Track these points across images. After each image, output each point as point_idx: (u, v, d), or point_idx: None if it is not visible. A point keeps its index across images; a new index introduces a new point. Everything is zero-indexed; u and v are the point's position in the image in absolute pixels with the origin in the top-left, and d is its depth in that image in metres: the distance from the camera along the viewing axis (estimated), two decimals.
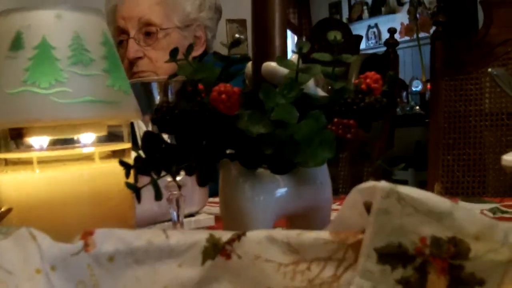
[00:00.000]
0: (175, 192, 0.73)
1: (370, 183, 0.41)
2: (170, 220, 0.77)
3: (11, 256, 0.40)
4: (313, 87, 0.57)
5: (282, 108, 0.52)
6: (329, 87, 0.56)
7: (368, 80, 0.55)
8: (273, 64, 0.56)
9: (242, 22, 2.80)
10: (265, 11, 0.57)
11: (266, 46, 0.57)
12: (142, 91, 0.75)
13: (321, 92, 0.58)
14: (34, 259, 0.40)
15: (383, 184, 0.40)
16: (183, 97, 0.58)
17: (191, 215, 0.97)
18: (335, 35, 0.55)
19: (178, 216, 0.75)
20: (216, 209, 1.02)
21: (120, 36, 1.60)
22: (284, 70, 0.55)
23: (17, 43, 0.66)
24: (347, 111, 0.53)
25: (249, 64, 0.60)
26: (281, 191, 0.59)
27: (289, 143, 0.51)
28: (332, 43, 0.54)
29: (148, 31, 1.58)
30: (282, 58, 0.55)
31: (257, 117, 0.52)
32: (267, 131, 0.51)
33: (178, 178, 0.70)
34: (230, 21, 2.70)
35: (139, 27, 1.57)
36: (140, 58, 1.56)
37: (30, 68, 0.65)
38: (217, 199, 1.09)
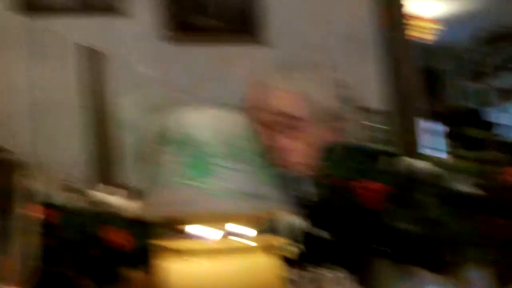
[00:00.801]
0: None
1: None
2: None
3: None
4: (460, 184, 0.58)
5: (431, 206, 0.53)
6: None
7: None
8: (420, 162, 0.57)
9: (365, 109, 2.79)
10: (404, 113, 0.59)
11: (411, 144, 0.59)
12: (285, 183, 0.78)
13: (467, 188, 0.59)
14: None
15: None
16: (333, 193, 0.60)
17: None
18: (477, 133, 0.56)
19: None
20: None
21: (261, 128, 1.65)
22: (431, 168, 0.56)
23: (173, 140, 0.71)
24: (501, 209, 0.53)
25: (399, 161, 0.61)
26: None
27: (444, 242, 0.52)
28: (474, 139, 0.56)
29: (290, 124, 1.63)
30: (429, 156, 0.56)
31: (405, 214, 0.54)
32: (416, 229, 0.52)
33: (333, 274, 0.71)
34: (373, 112, 2.70)
35: (279, 119, 1.62)
36: (283, 149, 1.60)
37: (185, 163, 0.70)
38: None
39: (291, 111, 1.62)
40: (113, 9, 2.37)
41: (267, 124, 1.61)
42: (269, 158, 1.59)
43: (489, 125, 1.92)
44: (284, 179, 0.78)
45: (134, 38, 2.42)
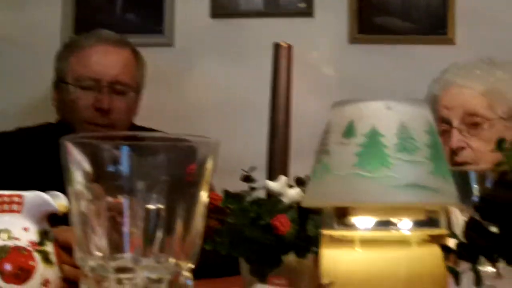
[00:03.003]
0: (488, 283, 0.72)
1: None
2: None
3: None
4: None
5: None
6: None
7: None
8: None
9: None
10: None
11: None
12: (460, 180, 0.76)
13: None
14: None
15: None
16: (507, 186, 0.58)
17: None
18: None
19: None
20: None
21: (442, 125, 1.63)
22: None
23: (349, 131, 0.72)
24: None
25: None
26: None
27: None
28: None
29: (474, 122, 1.59)
30: None
31: None
32: None
33: (490, 269, 0.69)
34: None
35: (462, 117, 1.59)
36: (463, 148, 1.57)
37: (359, 154, 0.71)
38: None
39: (477, 109, 1.57)
40: (302, 12, 2.43)
41: (448, 120, 1.58)
42: (448, 155, 1.56)
43: None
44: (456, 174, 0.77)
45: (321, 39, 2.47)
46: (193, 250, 0.66)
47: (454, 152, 1.58)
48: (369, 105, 0.74)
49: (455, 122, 1.59)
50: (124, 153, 0.63)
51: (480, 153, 1.57)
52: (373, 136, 0.71)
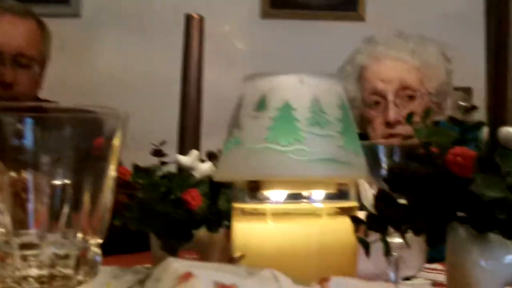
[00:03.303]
0: (394, 253, 0.74)
1: None
2: (386, 281, 0.77)
3: None
4: None
5: None
6: None
7: None
8: (510, 129, 0.56)
9: (466, 90, 2.74)
10: (504, 75, 0.57)
11: (504, 110, 0.57)
12: (369, 153, 0.77)
13: None
14: None
15: None
16: (416, 159, 0.59)
17: (407, 278, 0.97)
18: None
19: (396, 277, 0.75)
20: (432, 276, 1.01)
21: (374, 97, 1.64)
22: None
23: (262, 104, 0.72)
24: None
25: (484, 130, 0.60)
26: (511, 258, 0.57)
27: None
28: None
29: (408, 95, 1.62)
30: None
31: (492, 181, 0.52)
32: (502, 195, 0.51)
33: (397, 240, 0.71)
34: (454, 88, 2.70)
35: (397, 91, 1.61)
36: (400, 121, 1.59)
37: (272, 127, 0.70)
38: (433, 265, 1.08)
39: (412, 83, 1.60)
40: None
41: (382, 92, 1.60)
42: (376, 125, 1.59)
43: None
44: (371, 149, 0.78)
45: (233, 13, 2.46)
46: (101, 225, 0.64)
47: (389, 125, 1.60)
48: (282, 78, 0.74)
49: (391, 95, 1.61)
50: (28, 126, 0.60)
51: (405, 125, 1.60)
52: (286, 110, 0.71)
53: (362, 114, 1.69)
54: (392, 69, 1.63)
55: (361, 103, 1.67)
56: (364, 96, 1.66)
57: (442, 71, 1.67)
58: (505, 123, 0.57)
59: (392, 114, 1.58)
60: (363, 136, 1.73)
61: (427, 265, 1.04)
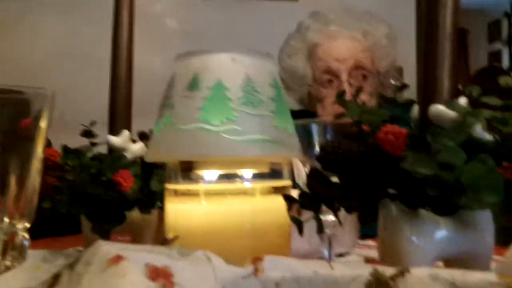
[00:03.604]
0: (328, 231, 0.74)
1: None
2: (320, 258, 0.78)
3: (189, 276, 0.43)
4: (481, 131, 0.57)
5: (449, 150, 0.52)
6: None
7: None
8: (441, 107, 0.56)
9: (398, 70, 2.79)
10: (435, 54, 0.58)
11: (434, 88, 0.58)
12: (302, 132, 0.78)
13: (488, 137, 0.58)
14: (209, 279, 0.43)
15: None
16: (348, 137, 0.59)
17: (341, 255, 0.98)
18: (506, 80, 0.55)
19: (329, 254, 0.76)
20: (365, 252, 1.02)
21: (329, 76, 1.64)
22: (452, 113, 0.55)
23: (194, 84, 0.71)
24: None
25: (415, 108, 0.61)
26: (442, 233, 0.59)
27: (455, 185, 0.51)
28: (503, 88, 0.54)
29: (363, 75, 1.63)
30: (451, 101, 0.56)
31: (423, 159, 0.53)
32: (433, 172, 0.52)
33: (331, 218, 0.71)
34: None
35: (351, 70, 1.62)
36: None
37: (204, 107, 0.69)
38: (366, 242, 1.09)
39: (365, 62, 1.61)
40: None
41: (336, 71, 1.60)
42: (327, 104, 1.59)
43: None
44: (304, 128, 0.78)
45: None
46: (29, 209, 0.62)
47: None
48: (214, 57, 0.72)
49: (345, 75, 1.61)
50: None
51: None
52: (218, 89, 0.70)
53: (312, 92, 1.68)
54: (346, 49, 1.64)
55: (312, 81, 1.67)
56: (315, 74, 1.66)
57: (391, 51, 1.69)
58: (435, 101, 0.57)
59: (347, 94, 1.59)
60: (310, 113, 1.74)
61: (360, 242, 1.06)
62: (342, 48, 1.64)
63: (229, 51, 0.72)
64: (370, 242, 1.11)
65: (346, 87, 1.59)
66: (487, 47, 6.62)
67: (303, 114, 1.77)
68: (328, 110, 1.62)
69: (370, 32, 1.67)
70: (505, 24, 6.48)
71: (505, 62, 6.41)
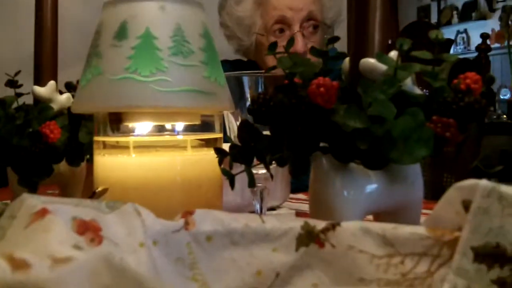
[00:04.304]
0: (259, 184, 0.74)
1: (471, 181, 0.41)
2: (252, 212, 0.78)
3: (117, 229, 0.42)
4: (411, 85, 0.58)
5: (380, 103, 0.52)
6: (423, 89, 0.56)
7: (468, 81, 0.55)
8: (372, 60, 0.56)
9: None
10: (366, 7, 0.57)
11: (365, 42, 0.58)
12: (234, 84, 0.77)
13: (418, 91, 0.58)
14: (138, 233, 0.42)
15: (485, 182, 0.40)
16: (279, 90, 0.59)
17: (272, 209, 0.99)
18: (436, 34, 0.55)
19: (261, 208, 0.76)
20: (297, 205, 1.03)
21: (280, 25, 1.60)
22: (383, 67, 0.55)
23: (122, 33, 0.69)
24: (446, 110, 0.53)
25: (346, 61, 0.61)
26: (372, 187, 0.59)
27: (385, 139, 0.52)
28: (433, 41, 0.55)
29: (314, 25, 1.60)
30: (382, 55, 0.55)
31: (353, 112, 0.53)
32: (363, 126, 0.52)
33: (262, 171, 0.71)
34: None
35: (302, 20, 1.59)
36: (305, 52, 1.57)
37: (132, 57, 0.67)
38: (298, 196, 1.11)
39: (317, 13, 1.58)
40: None
41: (288, 21, 1.57)
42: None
43: (447, 42, 1.91)
44: (236, 79, 0.77)
45: None
46: None
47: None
48: (142, 5, 0.70)
49: (297, 25, 1.58)
50: None
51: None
52: (147, 38, 0.68)
53: (261, 41, 1.65)
54: None
55: (262, 29, 1.64)
56: (266, 23, 1.62)
57: (338, 3, 1.68)
58: (366, 54, 0.57)
59: (300, 45, 1.56)
60: (254, 64, 1.71)
61: (292, 195, 1.07)
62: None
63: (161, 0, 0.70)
64: (301, 196, 1.13)
65: (298, 36, 1.57)
66: (416, 2, 6.71)
67: (250, 65, 1.75)
68: None
69: None
70: None
71: (434, 18, 6.52)
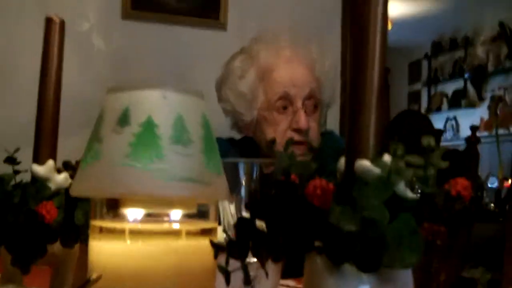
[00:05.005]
0: (251, 273, 0.75)
1: None
2: None
3: None
4: (404, 188, 0.59)
5: (374, 208, 0.53)
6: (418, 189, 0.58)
7: (458, 187, 0.57)
8: (367, 163, 0.58)
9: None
10: (361, 112, 0.59)
11: (360, 144, 0.59)
12: (230, 171, 0.78)
13: (409, 193, 0.60)
14: None
15: None
16: (277, 187, 0.60)
17: None
18: (429, 141, 0.57)
19: None
20: None
21: (284, 101, 1.61)
22: (377, 170, 0.57)
23: (124, 119, 0.71)
24: (437, 217, 0.54)
25: (342, 160, 0.62)
26: None
27: (379, 243, 0.53)
28: (425, 149, 0.57)
29: (315, 104, 1.62)
30: (377, 159, 0.57)
31: (348, 214, 0.54)
32: (358, 229, 0.53)
33: (254, 259, 0.72)
34: None
35: (305, 98, 1.60)
36: (309, 129, 1.58)
37: (133, 144, 0.69)
38: (287, 282, 1.11)
39: (318, 94, 1.60)
40: None
41: (291, 98, 1.58)
42: (280, 131, 1.57)
43: (438, 132, 1.95)
44: (232, 166, 0.78)
45: (93, 12, 2.40)
46: None
47: (299, 132, 1.58)
48: (145, 93, 0.72)
49: (299, 102, 1.60)
50: None
51: (315, 134, 1.61)
52: (148, 126, 0.70)
53: (265, 116, 1.65)
54: (303, 76, 1.62)
55: (264, 105, 1.64)
56: (269, 98, 1.62)
57: (334, 84, 1.71)
58: (361, 156, 0.59)
59: (304, 122, 1.57)
60: (250, 140, 1.71)
61: (282, 281, 1.07)
62: (299, 74, 1.62)
63: (161, 88, 0.72)
64: (290, 282, 1.13)
65: (303, 114, 1.59)
66: (408, 87, 6.85)
67: (244, 142, 1.75)
68: (281, 136, 1.59)
69: (319, 62, 1.67)
70: (425, 65, 6.72)
71: (424, 103, 6.64)
